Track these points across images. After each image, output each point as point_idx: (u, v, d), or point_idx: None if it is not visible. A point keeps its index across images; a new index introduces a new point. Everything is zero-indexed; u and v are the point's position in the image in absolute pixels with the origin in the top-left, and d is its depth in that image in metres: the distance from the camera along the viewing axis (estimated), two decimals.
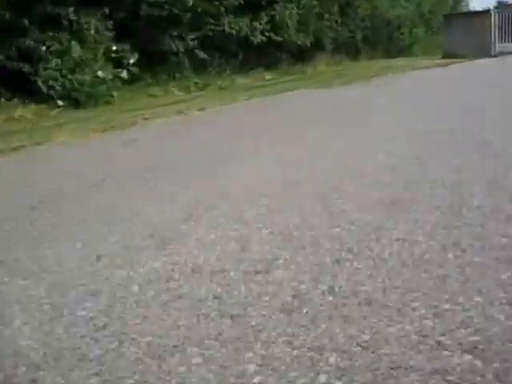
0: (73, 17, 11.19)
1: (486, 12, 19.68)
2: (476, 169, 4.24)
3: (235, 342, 2.03)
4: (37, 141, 7.80)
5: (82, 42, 11.29)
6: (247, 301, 2.34)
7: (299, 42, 17.04)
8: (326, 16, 18.56)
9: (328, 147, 5.70)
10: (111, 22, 11.84)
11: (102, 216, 3.88)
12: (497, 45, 19.83)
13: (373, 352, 1.88)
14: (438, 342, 1.90)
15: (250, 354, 1.95)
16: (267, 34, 15.88)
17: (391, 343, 1.92)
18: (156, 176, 5.00)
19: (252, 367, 1.87)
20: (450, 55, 18.78)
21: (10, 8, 10.10)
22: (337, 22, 19.26)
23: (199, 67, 14.74)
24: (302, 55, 18.30)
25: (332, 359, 1.87)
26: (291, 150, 5.73)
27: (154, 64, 13.35)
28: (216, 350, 2.00)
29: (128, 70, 12.26)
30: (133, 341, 2.12)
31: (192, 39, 13.86)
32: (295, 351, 1.93)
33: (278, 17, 16.15)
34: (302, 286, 2.42)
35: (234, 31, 14.86)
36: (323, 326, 2.07)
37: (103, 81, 11.37)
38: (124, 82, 12.17)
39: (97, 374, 1.93)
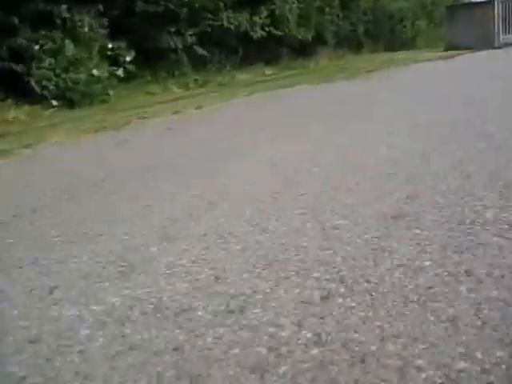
0: (66, 14, 10.71)
1: (489, 2, 19.08)
2: (478, 161, 4.14)
3: None
4: (28, 142, 7.36)
5: (75, 40, 10.80)
6: (213, 354, 1.87)
7: (300, 37, 16.52)
8: (327, 10, 18.02)
9: (330, 141, 5.55)
10: (106, 20, 11.35)
11: (65, 235, 3.40)
12: (500, 36, 19.29)
13: None
14: None
15: None
16: (267, 28, 15.36)
17: None
18: (129, 189, 4.53)
19: None
20: (452, 47, 18.26)
21: None
22: (338, 15, 18.72)
23: (198, 64, 14.25)
24: (303, 50, 17.77)
25: None
26: (292, 146, 5.54)
27: (152, 61, 12.86)
28: None
29: (124, 68, 11.77)
30: None
31: (190, 35, 13.35)
32: None
33: (278, 11, 15.62)
34: (282, 334, 1.94)
35: (233, 26, 14.34)
36: None
37: (98, 79, 10.89)
38: (120, 80, 11.70)
39: None
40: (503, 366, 1.63)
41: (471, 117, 6.06)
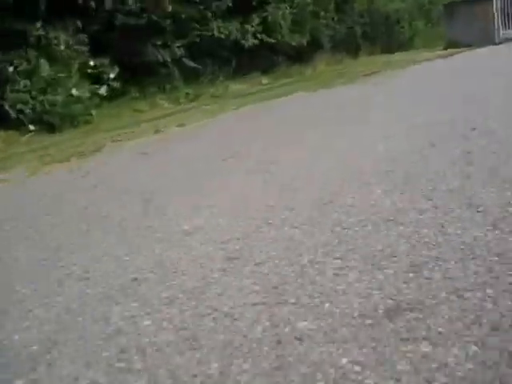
0: (41, 32, 9.62)
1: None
2: (477, 157, 4.00)
3: None
4: None
5: (52, 59, 9.72)
6: None
7: (294, 43, 15.34)
8: (322, 14, 16.83)
9: (327, 147, 5.33)
10: (85, 36, 10.24)
11: None
12: (501, 32, 18.07)
13: None
14: None
15: None
16: (259, 36, 14.19)
17: None
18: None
19: None
20: (452, 45, 17.07)
21: None
22: (333, 19, 17.53)
23: (190, 76, 13.11)
24: (299, 56, 16.58)
25: None
26: (287, 154, 5.28)
27: (139, 76, 11.75)
28: None
29: (108, 86, 10.66)
30: None
31: (178, 47, 12.22)
32: None
33: (270, 18, 14.46)
34: None
35: (223, 36, 13.20)
36: None
37: (79, 100, 9.78)
38: (104, 98, 10.59)
39: None
40: None
41: (471, 114, 5.76)
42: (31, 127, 9.28)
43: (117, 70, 10.71)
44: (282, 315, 2.12)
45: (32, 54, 9.62)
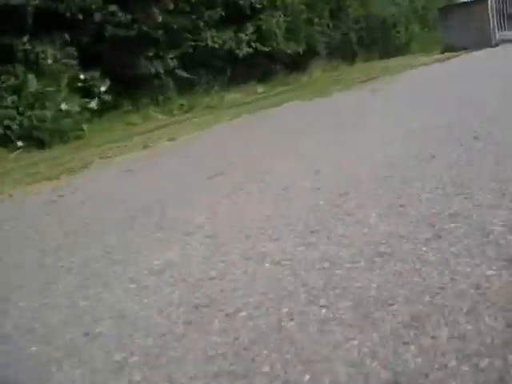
0: (28, 46, 9.19)
1: (483, 1, 17.44)
2: (475, 161, 3.90)
3: None
4: None
5: (40, 73, 9.28)
6: None
7: (289, 51, 14.89)
8: (317, 21, 16.39)
9: (322, 154, 5.17)
10: (74, 49, 9.81)
11: None
12: (497, 33, 17.65)
13: None
14: None
15: None
16: (254, 44, 13.75)
17: None
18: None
19: None
20: (449, 49, 16.64)
21: None
22: (328, 26, 17.08)
23: (184, 87, 12.67)
24: (295, 64, 16.15)
25: None
26: (282, 163, 5.07)
27: (132, 89, 11.31)
28: None
29: (99, 99, 10.21)
30: None
31: (171, 58, 11.76)
32: None
33: (264, 26, 14.02)
34: None
35: (217, 45, 12.76)
36: None
37: (68, 114, 9.34)
38: (95, 112, 10.14)
39: None
40: None
41: (468, 117, 5.63)
42: (19, 143, 8.84)
43: (108, 82, 10.26)
44: None
45: (19, 68, 9.19)
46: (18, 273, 3.21)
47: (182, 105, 12.10)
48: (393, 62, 16.79)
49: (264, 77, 15.05)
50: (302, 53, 15.73)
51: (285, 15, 14.72)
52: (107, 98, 10.33)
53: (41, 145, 9.03)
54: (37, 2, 8.88)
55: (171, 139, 7.94)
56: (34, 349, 2.21)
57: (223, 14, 12.64)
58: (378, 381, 1.59)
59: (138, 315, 2.33)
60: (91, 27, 9.95)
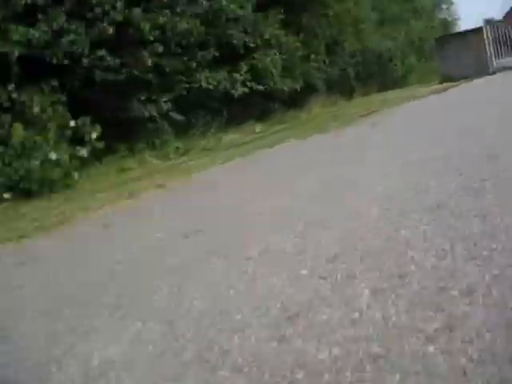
0: (14, 95, 8.75)
1: (479, 29, 17.07)
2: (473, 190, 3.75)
3: None
4: None
5: (27, 122, 8.82)
6: None
7: (286, 88, 14.44)
8: (313, 57, 15.98)
9: (318, 192, 5.02)
10: (62, 95, 9.36)
11: None
12: (494, 61, 17.20)
13: None
14: None
15: None
16: (249, 84, 13.30)
17: None
18: None
19: None
20: (447, 79, 16.19)
21: None
22: (325, 61, 16.68)
23: (180, 129, 12.21)
24: (293, 101, 15.71)
25: None
26: (274, 203, 4.87)
27: (126, 133, 10.85)
28: None
29: (91, 146, 9.72)
30: None
31: (165, 101, 11.31)
32: None
33: (259, 65, 13.59)
34: None
35: (211, 86, 12.32)
36: None
37: (57, 163, 8.85)
38: (88, 159, 9.65)
39: None
40: None
41: (467, 146, 5.47)
42: (6, 196, 8.35)
43: (99, 129, 9.77)
44: None
45: (5, 118, 8.75)
46: None
47: (177, 148, 11.63)
48: (391, 94, 16.37)
49: (262, 115, 14.61)
50: (299, 90, 15.29)
51: (280, 53, 14.30)
52: (99, 144, 9.83)
53: (29, 196, 8.53)
54: (20, 50, 8.44)
55: (160, 186, 7.43)
56: None
57: (216, 54, 12.22)
58: None
59: None
60: (80, 72, 9.53)
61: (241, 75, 13.07)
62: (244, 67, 13.14)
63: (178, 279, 3.31)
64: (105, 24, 9.33)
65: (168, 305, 2.89)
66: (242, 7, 12.92)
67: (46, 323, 3.01)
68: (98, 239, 5.27)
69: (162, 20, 10.19)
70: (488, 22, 18.24)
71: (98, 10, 9.31)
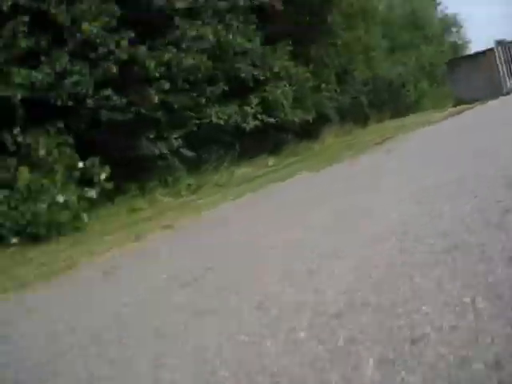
0: (19, 138, 8.52)
1: (490, 50, 16.75)
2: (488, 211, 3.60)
3: None
4: None
5: (33, 165, 8.57)
6: None
7: (297, 120, 14.14)
8: (324, 86, 15.71)
9: (332, 223, 4.80)
10: (69, 137, 9.11)
11: None
12: (508, 82, 16.87)
13: None
14: None
15: None
16: (260, 116, 13.01)
17: None
18: None
19: None
20: (460, 102, 15.85)
21: None
22: (336, 90, 16.39)
23: (192, 166, 11.91)
24: (306, 132, 15.41)
25: None
26: (287, 236, 4.64)
27: (135, 172, 10.57)
28: None
29: (100, 187, 9.42)
30: None
31: (175, 138, 11.04)
32: None
33: (270, 97, 13.31)
34: None
35: (222, 121, 12.05)
36: None
37: (65, 205, 8.55)
38: (96, 201, 9.35)
39: None
40: None
41: (481, 168, 5.36)
42: (13, 240, 8.05)
43: (108, 169, 9.49)
44: None
45: (11, 162, 8.51)
46: None
47: (189, 185, 11.32)
48: (405, 120, 16.06)
49: (275, 148, 14.31)
50: (311, 120, 14.98)
51: (290, 84, 14.03)
52: (108, 185, 9.53)
53: (36, 240, 8.22)
54: (23, 93, 8.22)
55: (168, 227, 7.08)
56: None
57: (226, 88, 11.97)
58: None
59: None
60: (85, 113, 9.28)
61: (251, 108, 12.82)
62: (254, 100, 12.89)
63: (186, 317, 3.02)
64: (109, 63, 9.10)
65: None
66: (250, 40, 12.73)
67: None
68: (102, 283, 4.94)
69: (167, 56, 9.95)
70: (499, 42, 17.94)
71: (101, 50, 9.09)
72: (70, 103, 8.85)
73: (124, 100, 9.49)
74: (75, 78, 8.82)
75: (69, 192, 8.78)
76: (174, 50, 10.28)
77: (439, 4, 25.95)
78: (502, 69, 16.60)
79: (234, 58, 12.20)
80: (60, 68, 8.59)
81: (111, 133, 9.68)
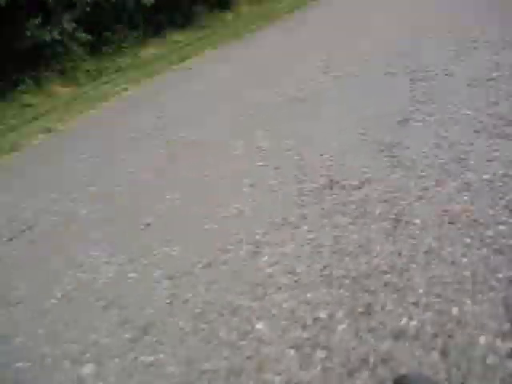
0: None
1: None
2: None
3: None
4: None
5: None
6: None
7: None
8: None
9: None
10: None
11: None
12: None
13: None
14: None
15: None
16: None
17: None
18: None
19: None
20: None
21: None
22: None
23: (93, 50, 10.66)
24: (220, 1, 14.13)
25: None
26: None
27: (29, 64, 9.38)
28: None
29: None
30: None
31: (68, 21, 9.71)
32: None
33: None
34: None
35: None
36: None
37: None
38: None
39: None
40: None
41: None
42: None
43: None
44: None
45: None
46: None
47: (88, 71, 10.19)
48: None
49: (185, 22, 13.02)
50: None
51: None
52: None
53: None
54: None
55: (49, 130, 6.17)
56: None
57: None
58: None
59: None
60: None
61: None
62: None
63: None
64: None
65: None
66: None
67: None
68: None
69: None
70: None
71: None
72: None
73: None
74: None
75: None
76: None
77: None
78: None
79: None
80: None
81: None
